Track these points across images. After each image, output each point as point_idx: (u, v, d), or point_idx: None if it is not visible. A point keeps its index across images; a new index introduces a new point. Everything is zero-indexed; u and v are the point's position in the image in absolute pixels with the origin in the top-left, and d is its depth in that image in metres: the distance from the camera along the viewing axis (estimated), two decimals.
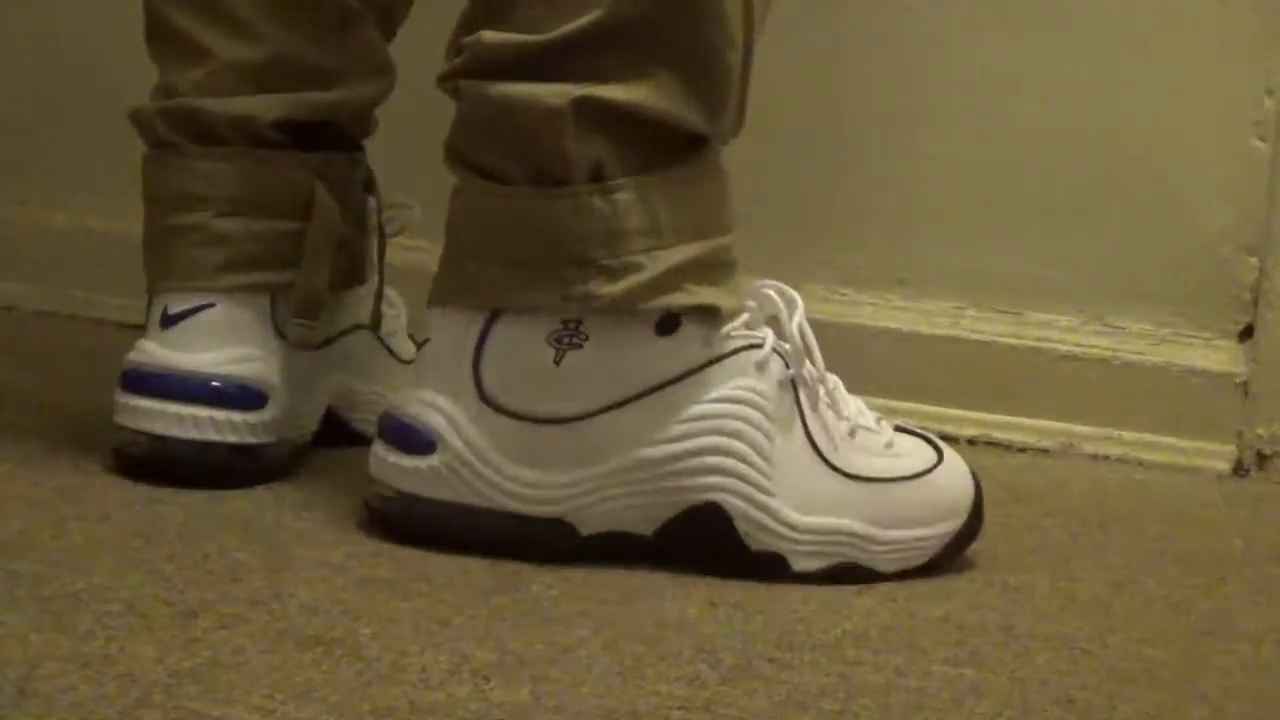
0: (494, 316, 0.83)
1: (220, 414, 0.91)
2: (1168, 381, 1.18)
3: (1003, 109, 1.21)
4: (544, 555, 0.83)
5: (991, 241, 1.22)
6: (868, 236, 1.24)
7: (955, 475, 0.89)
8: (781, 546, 0.85)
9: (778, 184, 1.25)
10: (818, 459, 0.86)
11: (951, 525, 0.88)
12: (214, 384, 0.91)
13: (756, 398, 0.85)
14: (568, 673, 0.69)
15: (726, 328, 0.85)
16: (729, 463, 0.84)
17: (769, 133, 1.25)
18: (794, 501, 0.85)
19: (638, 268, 0.82)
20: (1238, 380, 1.17)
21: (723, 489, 0.84)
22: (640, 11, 0.81)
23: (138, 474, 0.91)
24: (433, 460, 0.84)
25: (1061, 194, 1.21)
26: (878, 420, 0.90)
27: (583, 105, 0.81)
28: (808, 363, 0.87)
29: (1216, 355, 1.18)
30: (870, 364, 1.22)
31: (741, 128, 0.86)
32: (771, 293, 0.88)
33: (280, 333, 0.93)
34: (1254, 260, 1.18)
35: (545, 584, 0.80)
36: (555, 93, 0.81)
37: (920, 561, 0.87)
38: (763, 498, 0.84)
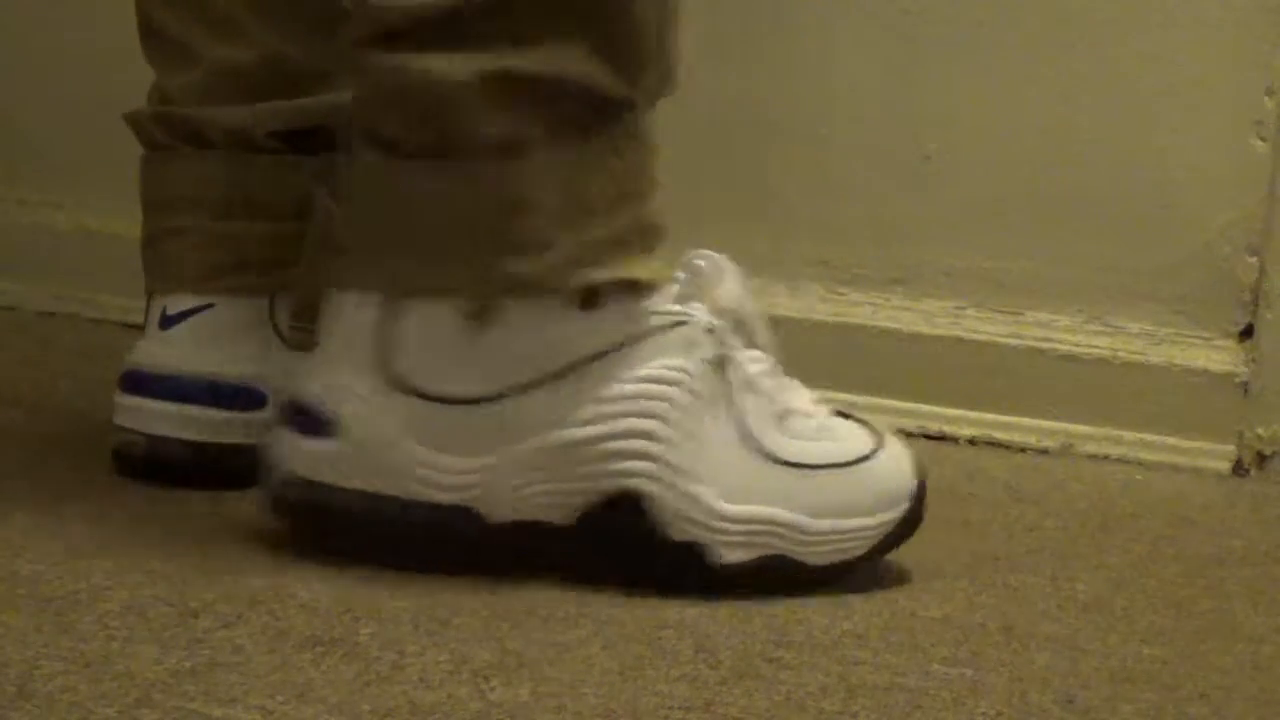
0: (400, 296, 0.79)
1: (219, 414, 0.91)
2: (1168, 381, 1.18)
3: (1003, 109, 1.21)
4: (449, 546, 0.80)
5: (991, 241, 1.22)
6: (867, 236, 1.24)
7: (895, 462, 0.85)
8: (704, 536, 0.80)
9: (777, 183, 1.25)
10: (744, 442, 0.81)
11: (890, 515, 0.83)
12: (213, 384, 0.91)
13: (682, 376, 0.80)
14: (568, 673, 0.69)
15: (651, 302, 0.80)
16: (651, 447, 0.79)
17: (769, 133, 1.25)
18: (720, 488, 0.80)
19: (549, 245, 0.78)
20: (1238, 380, 1.17)
21: (644, 474, 0.79)
22: None
23: (136, 474, 0.91)
24: (336, 443, 0.79)
25: (1061, 194, 1.21)
26: (815, 403, 0.86)
27: (489, 78, 0.76)
28: (738, 340, 0.82)
29: (1216, 355, 1.18)
30: (870, 364, 1.22)
31: (673, 87, 0.82)
32: (703, 264, 0.83)
33: (279, 334, 0.93)
34: (1254, 260, 1.17)
35: (545, 584, 0.80)
36: (459, 65, 0.76)
37: (855, 555, 0.83)
38: (683, 482, 0.80)
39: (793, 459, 0.82)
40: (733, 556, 0.80)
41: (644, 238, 0.81)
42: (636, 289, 0.80)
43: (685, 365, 0.80)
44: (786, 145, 1.24)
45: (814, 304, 1.23)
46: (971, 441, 1.20)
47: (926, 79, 1.22)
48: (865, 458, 0.84)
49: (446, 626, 0.74)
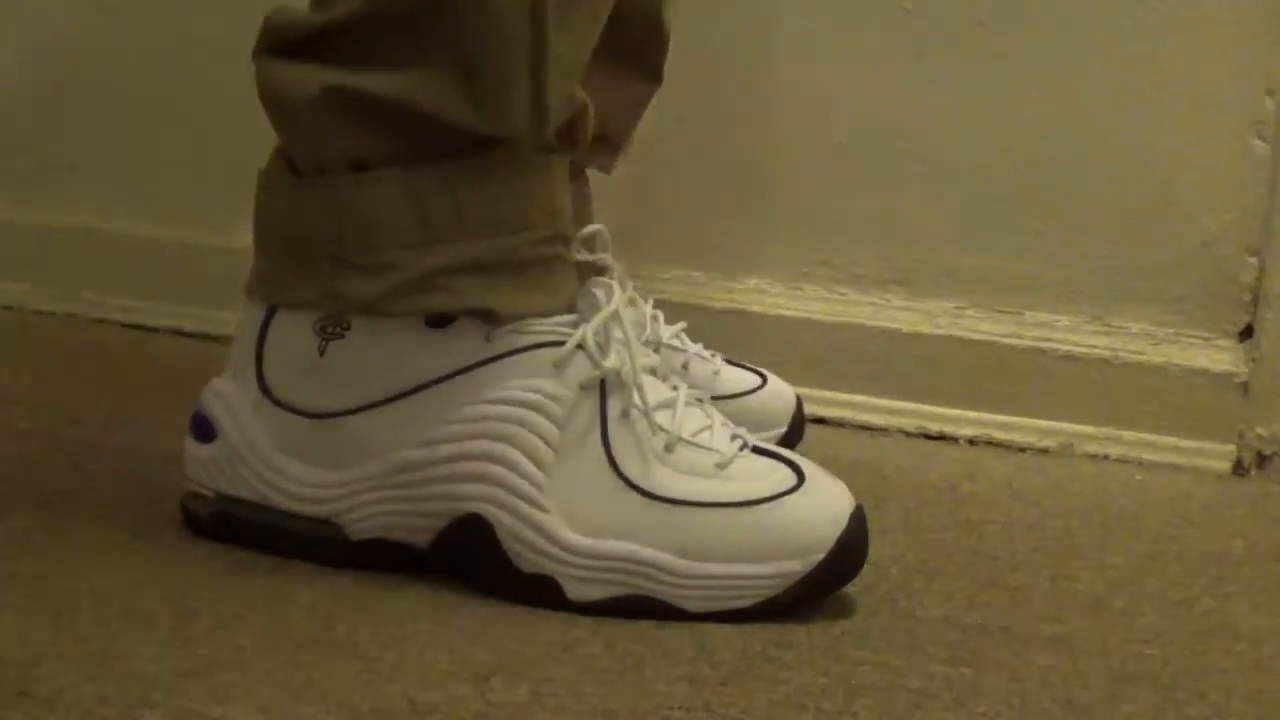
0: (274, 309, 0.80)
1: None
2: (1168, 381, 1.18)
3: (1003, 109, 1.21)
4: (319, 559, 0.79)
5: (991, 241, 1.22)
6: (868, 236, 1.24)
7: (814, 508, 0.77)
8: (555, 569, 0.76)
9: (777, 184, 1.25)
10: (612, 473, 0.76)
11: (794, 566, 0.76)
12: None
13: (542, 399, 0.77)
14: (568, 673, 0.69)
15: (516, 324, 0.78)
16: (495, 470, 0.76)
17: (769, 133, 1.25)
18: (572, 519, 0.76)
19: (393, 267, 0.76)
20: (1238, 380, 1.17)
21: (487, 499, 0.76)
22: (405, 3, 0.75)
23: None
24: (211, 449, 0.81)
25: (1061, 194, 1.21)
26: (732, 439, 0.80)
27: (334, 94, 0.76)
28: (625, 365, 0.78)
29: (1216, 355, 1.18)
30: (870, 364, 1.22)
31: (547, 126, 0.78)
32: (597, 290, 0.80)
33: None
34: (1254, 260, 1.18)
35: None
36: (309, 78, 0.76)
37: (745, 604, 0.76)
38: (531, 511, 0.76)
39: (661, 492, 0.77)
40: (586, 593, 0.76)
41: (509, 270, 0.78)
42: (489, 318, 0.77)
43: (549, 388, 0.77)
44: (786, 145, 1.24)
45: (814, 304, 1.23)
46: (971, 441, 1.20)
47: (927, 79, 1.22)
48: (762, 500, 0.77)
49: (446, 626, 0.74)
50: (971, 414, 1.21)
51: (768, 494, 0.77)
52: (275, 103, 0.78)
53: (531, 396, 0.77)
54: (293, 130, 0.78)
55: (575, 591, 0.76)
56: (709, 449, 0.79)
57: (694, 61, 1.19)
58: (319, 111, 0.76)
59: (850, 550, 0.77)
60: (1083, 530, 1.00)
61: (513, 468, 0.76)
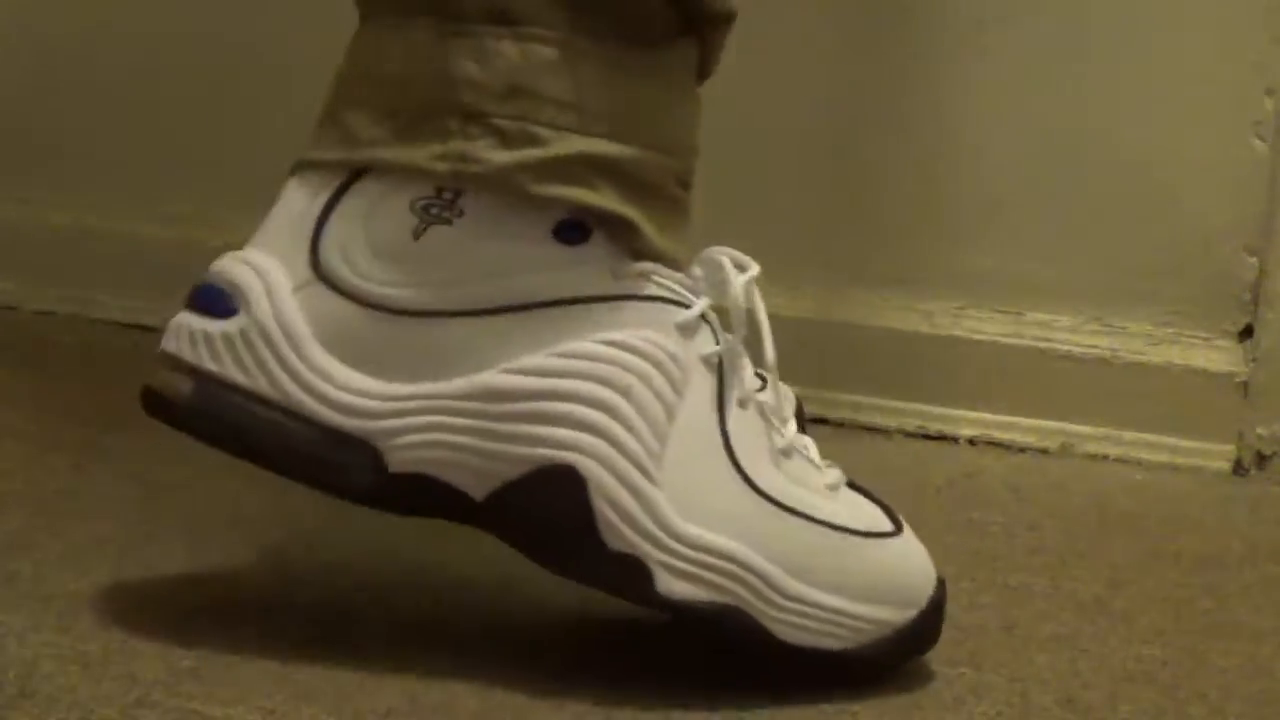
0: (355, 176, 0.65)
1: None
2: (1168, 381, 1.18)
3: (1003, 109, 1.21)
4: (336, 487, 0.66)
5: (991, 241, 1.22)
6: (868, 236, 1.24)
7: (913, 559, 0.70)
8: (649, 552, 0.64)
9: (777, 184, 1.25)
10: (728, 461, 0.66)
11: (890, 614, 0.68)
12: None
13: (664, 358, 0.66)
14: (568, 673, 0.69)
15: (649, 267, 0.67)
16: (602, 420, 0.64)
17: (769, 132, 1.25)
18: (681, 502, 0.65)
19: (539, 141, 0.64)
20: (1238, 380, 1.17)
21: (586, 450, 0.64)
22: None
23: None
24: (227, 324, 0.65)
25: (1061, 194, 1.21)
26: (829, 466, 0.72)
27: None
28: (744, 352, 0.69)
29: (1216, 355, 1.18)
30: (870, 364, 1.22)
31: (729, 20, 0.70)
32: (722, 258, 0.70)
33: None
34: (1254, 260, 1.18)
35: (545, 584, 0.80)
36: None
37: (829, 644, 0.67)
38: (639, 479, 0.64)
39: (777, 496, 0.67)
40: (679, 589, 0.65)
41: (654, 194, 0.67)
42: (626, 232, 0.66)
43: (672, 349, 0.66)
44: (786, 145, 1.24)
45: (814, 304, 1.23)
46: (971, 441, 1.20)
47: (926, 79, 1.22)
48: (871, 534, 0.69)
49: (446, 626, 0.74)
50: (971, 414, 1.21)
51: (875, 530, 0.69)
52: None
53: (655, 351, 0.66)
54: None
55: (666, 585, 0.65)
56: (818, 466, 0.70)
57: None
58: None
59: (939, 615, 0.71)
60: (1083, 530, 1.00)
61: (625, 423, 0.64)
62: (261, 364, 0.65)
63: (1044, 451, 1.19)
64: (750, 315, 0.69)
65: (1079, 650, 0.78)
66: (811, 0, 1.23)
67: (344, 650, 0.70)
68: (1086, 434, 1.19)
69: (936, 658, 0.74)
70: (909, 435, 1.21)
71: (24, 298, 1.40)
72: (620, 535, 0.64)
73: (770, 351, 0.70)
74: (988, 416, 1.21)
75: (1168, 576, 0.91)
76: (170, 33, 1.39)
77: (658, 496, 0.65)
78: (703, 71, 0.72)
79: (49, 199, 1.42)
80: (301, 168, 0.67)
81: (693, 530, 0.65)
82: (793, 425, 0.71)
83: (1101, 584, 0.89)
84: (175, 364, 0.66)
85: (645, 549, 0.65)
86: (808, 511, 0.68)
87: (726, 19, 0.71)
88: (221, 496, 0.90)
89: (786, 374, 1.13)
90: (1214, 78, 1.17)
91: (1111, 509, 1.06)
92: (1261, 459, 1.16)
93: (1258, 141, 1.17)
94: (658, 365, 0.66)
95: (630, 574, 0.65)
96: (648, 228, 0.67)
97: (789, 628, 0.67)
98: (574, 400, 0.64)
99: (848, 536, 0.68)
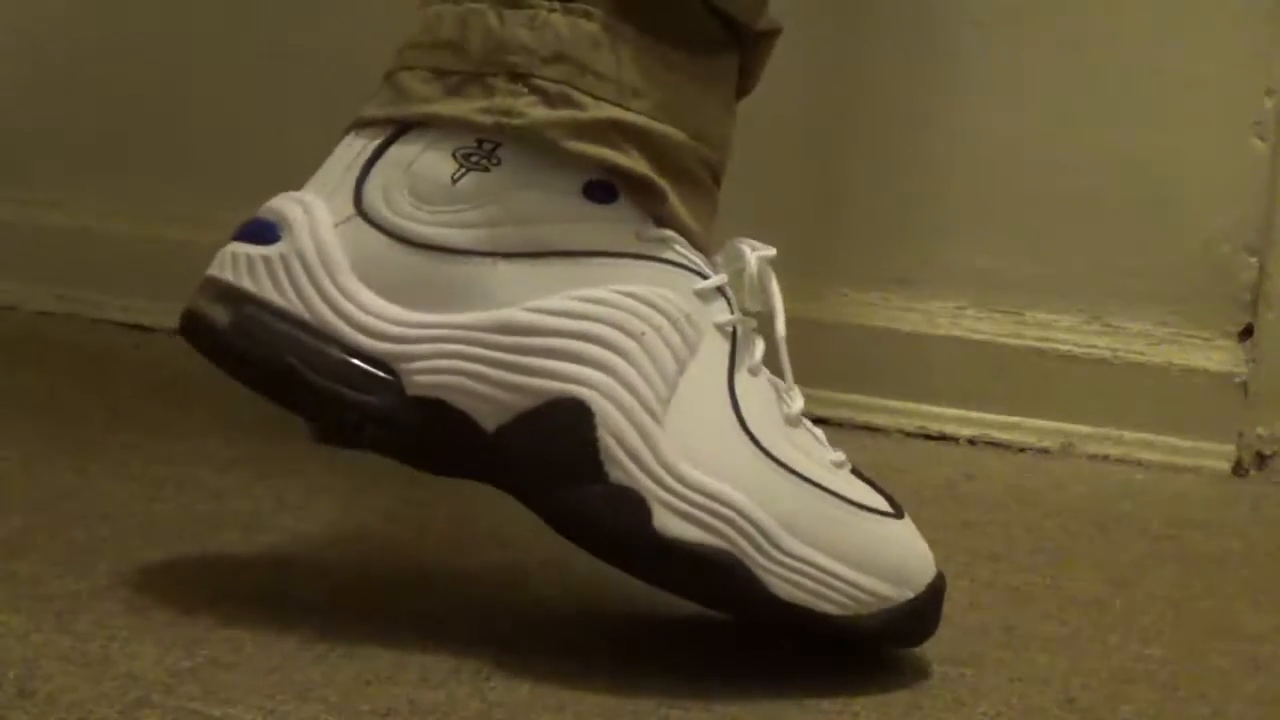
0: (403, 129, 0.70)
1: None
2: (1168, 381, 1.18)
3: (1003, 109, 1.21)
4: (357, 406, 0.68)
5: (991, 241, 1.22)
6: (868, 236, 1.24)
7: (913, 543, 0.72)
8: (648, 487, 0.66)
9: (777, 183, 1.25)
10: (734, 418, 0.69)
11: (887, 590, 0.69)
12: None
13: (680, 316, 0.69)
14: (568, 673, 0.69)
15: (672, 236, 0.71)
16: (615, 359, 0.67)
17: (769, 132, 1.25)
18: (685, 447, 0.67)
19: (578, 104, 0.69)
20: (1238, 380, 1.17)
21: (598, 386, 0.67)
22: None
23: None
24: (272, 250, 0.69)
25: (1061, 194, 1.21)
26: (841, 458, 0.73)
27: None
28: (756, 327, 0.72)
29: (1216, 355, 1.18)
30: (870, 364, 1.22)
31: (761, 15, 0.74)
32: (743, 245, 0.73)
33: None
34: (1254, 260, 1.18)
35: (545, 584, 0.80)
36: None
37: (825, 607, 0.68)
38: (644, 417, 0.67)
39: (780, 456, 0.69)
40: (675, 528, 0.66)
41: (678, 168, 0.71)
42: (651, 195, 0.70)
43: (688, 309, 0.69)
44: (786, 145, 1.24)
45: (815, 304, 1.23)
46: (971, 441, 1.20)
47: (926, 79, 1.22)
48: (872, 509, 0.71)
49: (446, 626, 0.74)
50: (971, 414, 1.21)
51: (877, 508, 0.71)
52: None
53: (670, 308, 0.69)
54: None
55: (663, 521, 0.66)
56: (824, 444, 0.72)
57: None
58: None
59: (936, 604, 0.72)
60: (1083, 530, 1.00)
61: (637, 365, 0.67)
62: (298, 287, 0.69)
63: (1044, 451, 1.19)
64: (764, 291, 0.72)
65: (1079, 650, 0.78)
66: (814, 0, 1.23)
67: (344, 650, 0.70)
68: (1086, 434, 1.19)
69: (936, 657, 0.74)
70: (909, 435, 1.21)
71: (24, 298, 1.40)
72: (623, 467, 0.66)
73: (781, 326, 0.72)
74: (988, 416, 1.21)
75: (1168, 576, 0.91)
76: (170, 33, 1.39)
77: (661, 436, 0.67)
78: (743, 87, 0.76)
79: (49, 199, 1.42)
80: (356, 125, 0.72)
81: (695, 474, 0.67)
82: (800, 402, 0.72)
83: (1101, 584, 0.89)
84: (217, 291, 0.70)
85: (646, 484, 0.66)
86: (810, 476, 0.69)
87: (769, 36, 0.76)
88: (221, 496, 0.90)
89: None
90: (1214, 78, 1.17)
91: (1111, 509, 1.06)
92: (1261, 459, 1.16)
93: (1258, 141, 1.17)
94: (673, 321, 0.69)
95: (629, 507, 0.66)
96: (673, 198, 0.71)
97: (783, 582, 0.68)
98: (589, 340, 0.67)
99: (847, 505, 0.70)
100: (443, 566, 0.82)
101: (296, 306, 0.69)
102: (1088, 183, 1.20)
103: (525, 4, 0.70)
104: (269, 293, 0.69)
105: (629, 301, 0.68)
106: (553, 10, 0.70)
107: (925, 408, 1.21)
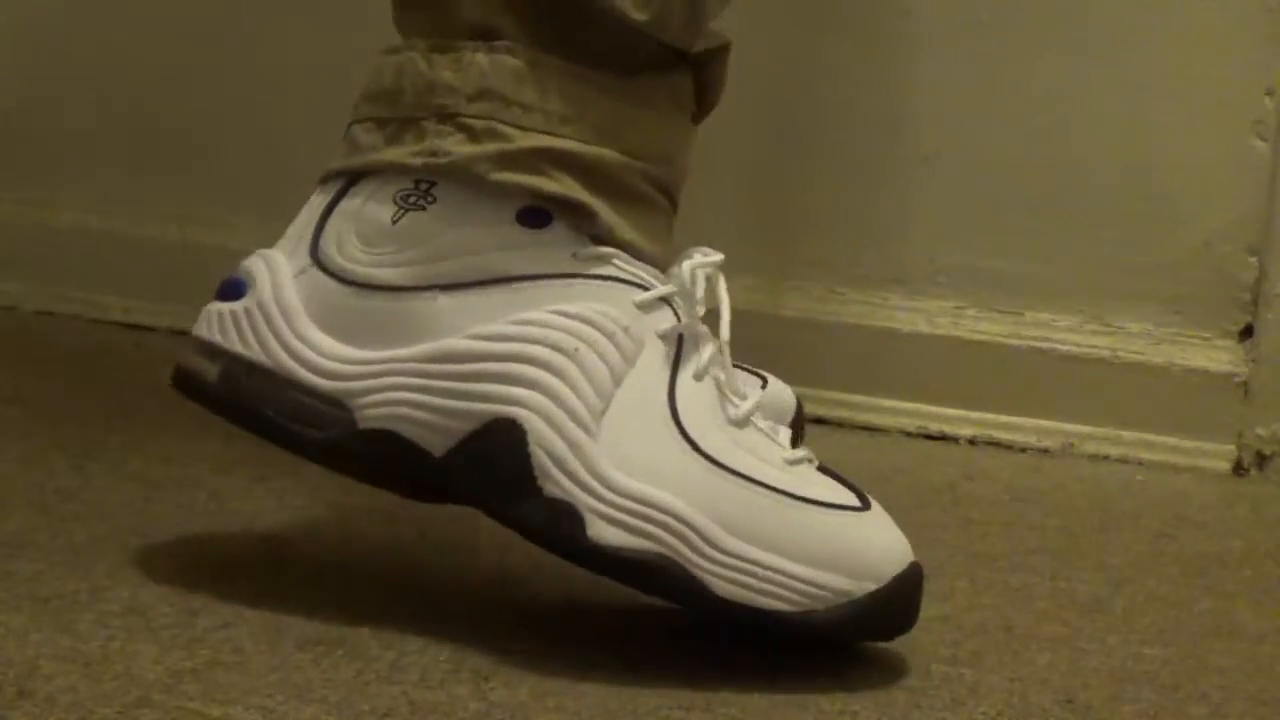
0: (354, 180, 0.74)
1: None
2: (1168, 381, 1.18)
3: (1002, 109, 1.21)
4: (315, 443, 0.72)
5: (991, 241, 1.22)
6: (868, 236, 1.24)
7: (877, 535, 0.71)
8: (581, 499, 0.68)
9: (777, 183, 1.25)
10: (672, 425, 0.70)
11: (841, 582, 0.69)
12: None
13: (616, 330, 0.71)
14: (568, 673, 0.69)
15: (610, 252, 0.73)
16: (547, 379, 0.70)
17: (769, 132, 1.25)
18: (618, 456, 0.69)
19: (503, 137, 0.72)
20: (1238, 380, 1.17)
21: (529, 405, 0.69)
22: None
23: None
24: (239, 305, 0.74)
25: (1061, 194, 1.21)
26: (801, 455, 0.73)
27: None
28: (706, 333, 0.73)
29: (1216, 355, 1.18)
30: (870, 364, 1.22)
31: (697, 36, 0.76)
32: (696, 253, 0.75)
33: None
34: (1254, 260, 1.18)
35: (545, 584, 0.80)
36: None
37: (773, 605, 0.69)
38: (574, 429, 0.69)
39: (717, 457, 0.70)
40: (609, 536, 0.68)
41: (621, 192, 0.74)
42: (583, 217, 0.72)
43: (625, 322, 0.71)
44: (786, 145, 1.24)
45: (814, 304, 1.23)
46: (971, 441, 1.20)
47: (926, 79, 1.22)
48: (822, 503, 0.71)
49: (446, 626, 0.74)
50: (971, 414, 1.21)
51: (828, 500, 0.71)
52: None
53: (606, 323, 0.71)
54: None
55: (597, 531, 0.68)
56: (779, 444, 0.73)
57: None
58: None
59: (907, 596, 0.71)
60: (1083, 530, 1.00)
61: (569, 382, 0.70)
62: (259, 336, 0.74)
63: (1044, 451, 1.19)
64: (710, 294, 0.74)
65: (1079, 650, 0.78)
66: (813, 0, 1.23)
67: (344, 650, 0.70)
68: (1086, 434, 1.19)
69: (936, 658, 0.74)
70: (909, 435, 1.21)
71: (24, 298, 1.40)
72: (556, 481, 0.69)
73: (725, 329, 0.74)
74: (988, 416, 1.21)
75: (1168, 576, 0.91)
76: (171, 34, 1.39)
77: (593, 448, 0.69)
78: (704, 100, 0.79)
79: (49, 199, 1.42)
80: (321, 179, 0.76)
81: (627, 481, 0.69)
82: (751, 401, 0.73)
83: (1101, 584, 0.89)
84: (200, 347, 0.75)
85: (579, 495, 0.69)
86: (751, 474, 0.70)
87: (717, 52, 0.78)
88: (221, 496, 0.90)
89: (786, 374, 1.13)
90: (1214, 78, 1.17)
91: (1111, 509, 1.06)
92: (1261, 459, 1.16)
93: (1258, 141, 1.17)
94: (609, 335, 0.71)
95: (564, 519, 0.69)
96: (609, 217, 0.73)
97: (724, 582, 0.69)
98: (522, 361, 0.70)
99: (795, 502, 0.70)
100: (443, 566, 0.82)
101: (258, 354, 0.73)
102: (1088, 183, 1.20)
103: (452, 48, 0.73)
104: (236, 345, 0.74)
105: (561, 320, 0.71)
106: (477, 50, 0.73)
107: (925, 408, 1.21)
